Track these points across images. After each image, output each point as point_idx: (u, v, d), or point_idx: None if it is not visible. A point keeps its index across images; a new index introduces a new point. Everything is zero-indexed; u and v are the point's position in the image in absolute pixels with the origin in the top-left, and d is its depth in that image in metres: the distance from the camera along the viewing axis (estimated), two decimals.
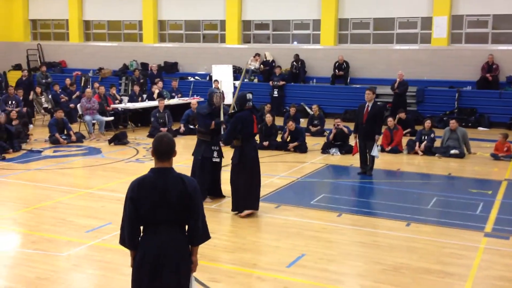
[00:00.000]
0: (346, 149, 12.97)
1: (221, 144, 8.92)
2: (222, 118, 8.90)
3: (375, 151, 10.63)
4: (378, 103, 10.77)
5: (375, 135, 10.56)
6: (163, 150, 3.93)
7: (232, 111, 8.74)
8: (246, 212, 8.07)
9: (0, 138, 12.65)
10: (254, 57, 21.16)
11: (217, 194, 8.93)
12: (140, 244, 3.98)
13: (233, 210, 8.20)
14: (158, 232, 3.93)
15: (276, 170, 11.38)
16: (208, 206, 8.43)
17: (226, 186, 8.72)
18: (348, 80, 19.94)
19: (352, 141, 12.68)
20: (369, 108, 10.59)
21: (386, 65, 19.33)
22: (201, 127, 8.74)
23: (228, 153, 9.21)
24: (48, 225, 7.62)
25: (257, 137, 13.63)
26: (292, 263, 6.34)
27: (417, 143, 13.14)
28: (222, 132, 8.75)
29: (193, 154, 8.81)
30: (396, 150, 13.12)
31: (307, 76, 20.66)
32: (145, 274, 3.95)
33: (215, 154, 8.68)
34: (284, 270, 6.16)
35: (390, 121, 13.44)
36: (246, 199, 8.09)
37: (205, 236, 4.12)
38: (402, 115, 15.46)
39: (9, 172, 10.85)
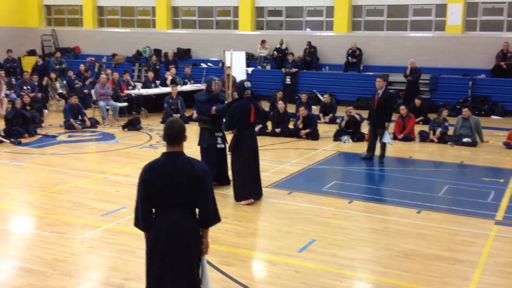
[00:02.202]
0: (358, 137, 13.00)
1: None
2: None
3: (387, 138, 10.69)
4: (390, 90, 10.78)
5: (385, 122, 10.62)
6: (173, 135, 4.05)
7: (230, 100, 8.73)
8: (245, 201, 8.09)
9: (16, 123, 12.83)
10: (261, 44, 21.16)
11: (224, 181, 8.94)
12: (152, 226, 4.10)
13: (235, 199, 8.20)
14: (169, 214, 4.05)
15: (288, 156, 11.45)
16: (220, 192, 8.55)
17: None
18: (361, 68, 19.87)
19: (365, 128, 12.74)
20: (380, 96, 10.65)
21: (400, 53, 19.22)
22: (201, 114, 8.73)
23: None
24: (64, 209, 7.77)
25: (269, 124, 13.86)
26: (303, 248, 6.43)
27: (431, 131, 13.12)
28: None
29: (199, 144, 8.77)
30: (409, 138, 13.11)
31: (320, 63, 20.61)
32: (157, 255, 4.07)
33: (219, 140, 8.69)
34: (296, 255, 6.26)
35: (403, 109, 13.41)
36: (244, 188, 8.11)
37: (216, 219, 4.21)
38: (418, 101, 15.39)
39: (25, 157, 11.03)
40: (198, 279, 4.17)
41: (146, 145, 12.35)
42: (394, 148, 11.97)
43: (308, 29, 21.55)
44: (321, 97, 17.76)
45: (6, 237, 6.78)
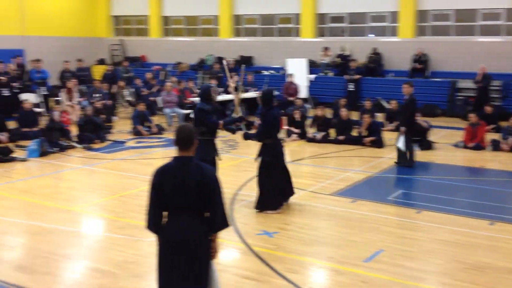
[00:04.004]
0: (425, 145, 12.66)
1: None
2: (239, 113, 8.55)
3: (400, 142, 10.76)
4: (412, 97, 10.88)
5: (401, 126, 10.79)
6: (183, 140, 4.12)
7: (240, 115, 8.43)
8: (270, 212, 7.94)
9: (87, 129, 13.36)
10: (323, 51, 21.06)
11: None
12: (163, 230, 4.16)
13: (257, 208, 8.01)
14: (178, 218, 4.11)
15: (351, 164, 11.31)
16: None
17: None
18: (428, 74, 19.39)
19: (433, 136, 12.46)
20: (404, 101, 10.98)
21: (468, 58, 18.61)
22: (203, 125, 7.91)
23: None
24: (134, 212, 7.99)
25: (332, 131, 13.75)
26: (370, 258, 6.32)
27: (503, 140, 12.61)
28: (242, 127, 8.55)
29: (201, 157, 7.70)
30: (479, 146, 12.65)
31: (384, 69, 20.28)
32: (166, 258, 4.14)
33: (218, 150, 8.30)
34: (362, 264, 6.16)
35: (473, 116, 12.97)
36: (273, 198, 7.97)
37: (223, 224, 4.21)
38: (489, 109, 14.85)
39: (96, 162, 11.46)
40: (204, 283, 4.16)
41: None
42: (464, 157, 11.59)
43: (371, 35, 21.27)
44: (385, 104, 17.45)
45: (79, 239, 7.06)
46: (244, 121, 8.43)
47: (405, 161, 10.91)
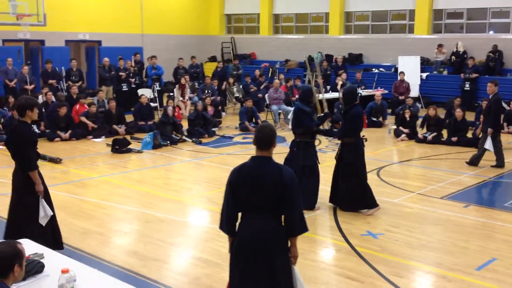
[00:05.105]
0: None
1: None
2: (322, 112, 8.09)
3: (487, 144, 10.33)
4: (496, 96, 10.24)
5: (487, 127, 10.29)
6: (263, 139, 4.05)
7: (324, 111, 8.10)
8: (372, 211, 7.72)
9: (197, 124, 13.86)
10: (437, 48, 20.11)
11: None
12: (237, 231, 4.05)
13: (346, 209, 7.80)
14: (253, 219, 3.98)
15: (465, 167, 10.70)
16: (391, 200, 8.30)
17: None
18: None
19: None
20: (489, 101, 10.40)
21: None
22: (300, 127, 7.73)
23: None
24: None
25: (445, 132, 13.10)
26: (482, 266, 5.95)
27: None
28: (324, 127, 8.23)
29: (302, 162, 7.66)
30: None
31: (505, 68, 18.98)
32: (240, 260, 4.00)
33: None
34: (473, 273, 5.81)
35: None
36: (367, 196, 7.73)
37: (302, 228, 4.04)
38: None
39: (205, 155, 11.85)
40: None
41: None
42: None
43: (491, 32, 19.99)
44: (505, 105, 16.32)
45: (186, 229, 7.34)
46: (330, 118, 8.16)
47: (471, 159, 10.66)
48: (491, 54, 18.97)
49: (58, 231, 6.11)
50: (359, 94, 7.77)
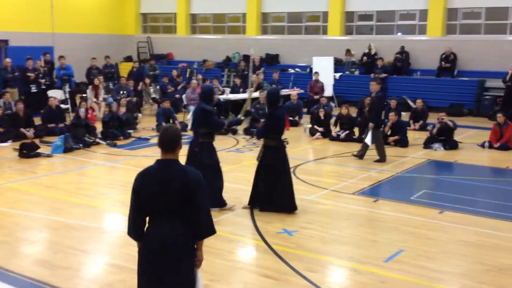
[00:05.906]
0: (450, 145, 12.46)
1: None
2: (248, 108, 8.32)
3: (368, 138, 11.06)
4: (378, 94, 11.15)
5: (369, 123, 11.03)
6: (167, 142, 3.94)
7: (247, 109, 8.34)
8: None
9: (112, 126, 13.51)
10: (345, 54, 20.87)
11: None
12: (145, 235, 3.98)
13: (288, 210, 7.82)
14: (159, 224, 3.89)
15: (374, 164, 11.17)
16: (306, 197, 8.51)
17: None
18: (455, 73, 19.05)
19: (458, 135, 12.20)
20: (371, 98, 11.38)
21: (498, 57, 18.22)
22: (210, 126, 7.83)
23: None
24: None
25: (356, 130, 13.61)
26: (390, 258, 6.23)
27: None
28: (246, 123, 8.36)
29: (205, 161, 7.66)
30: (506, 147, 12.38)
31: (411, 68, 20.01)
32: (147, 266, 3.95)
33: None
34: (382, 264, 6.08)
35: (500, 116, 12.69)
36: (286, 199, 7.82)
37: (209, 231, 3.97)
38: None
39: (119, 158, 11.58)
40: None
41: (233, 149, 12.53)
42: (490, 157, 11.35)
43: (399, 34, 21.00)
44: (411, 103, 17.22)
45: (99, 235, 7.14)
46: (251, 116, 8.18)
47: (362, 154, 11.31)
48: (398, 55, 19.91)
49: None
50: (281, 97, 7.80)
